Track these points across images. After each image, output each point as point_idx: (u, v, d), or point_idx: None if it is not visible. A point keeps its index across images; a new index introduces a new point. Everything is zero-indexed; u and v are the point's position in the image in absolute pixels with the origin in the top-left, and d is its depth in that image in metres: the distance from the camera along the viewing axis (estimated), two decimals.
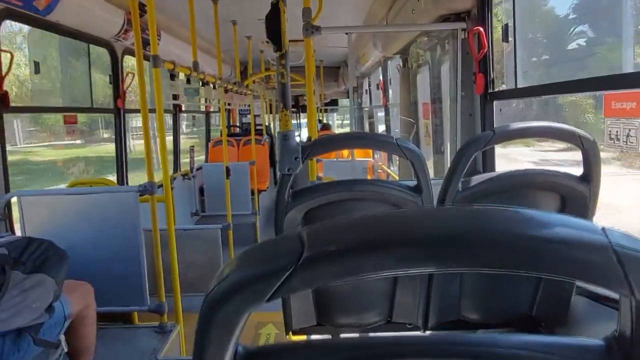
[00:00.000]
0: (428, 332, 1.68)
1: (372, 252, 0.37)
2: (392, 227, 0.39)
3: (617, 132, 1.42)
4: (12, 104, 2.46)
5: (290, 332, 1.72)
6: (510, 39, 2.29)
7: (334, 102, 11.72)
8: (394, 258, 0.37)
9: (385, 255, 0.37)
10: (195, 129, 7.42)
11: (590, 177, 1.41)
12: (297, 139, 1.50)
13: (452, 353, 0.47)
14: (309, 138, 2.70)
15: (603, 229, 0.37)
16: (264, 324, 3.39)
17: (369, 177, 5.44)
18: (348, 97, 10.12)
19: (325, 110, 10.97)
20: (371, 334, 1.75)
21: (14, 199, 2.47)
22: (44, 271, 1.69)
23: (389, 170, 5.36)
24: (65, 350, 1.85)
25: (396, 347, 0.48)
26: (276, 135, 7.60)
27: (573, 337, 0.48)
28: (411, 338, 0.49)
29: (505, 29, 2.30)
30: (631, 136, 1.36)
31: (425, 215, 0.41)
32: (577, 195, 1.44)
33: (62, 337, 1.82)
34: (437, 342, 0.48)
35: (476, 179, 1.52)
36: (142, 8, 2.77)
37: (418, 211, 0.43)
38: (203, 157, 6.79)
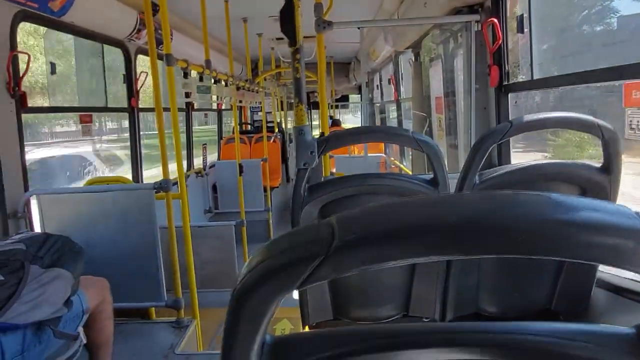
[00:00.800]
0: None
1: (401, 239, 0.37)
2: (420, 213, 0.39)
3: (638, 122, 1.39)
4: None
5: (307, 327, 1.72)
6: (526, 29, 2.25)
7: (345, 98, 11.68)
8: (423, 245, 0.37)
9: (415, 242, 0.37)
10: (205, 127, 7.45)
11: (611, 168, 1.38)
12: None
13: (476, 341, 0.46)
14: (322, 134, 2.70)
15: (638, 213, 0.37)
16: (278, 319, 3.41)
17: None
18: (359, 93, 10.07)
19: (336, 107, 10.94)
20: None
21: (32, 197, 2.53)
22: (61, 265, 1.73)
23: (401, 166, 5.34)
24: (84, 342, 1.89)
25: (421, 336, 0.48)
26: (287, 132, 7.61)
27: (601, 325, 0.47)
28: (435, 327, 0.49)
29: (521, 19, 2.27)
30: None
31: (453, 201, 0.41)
32: (597, 187, 1.42)
33: (81, 330, 1.87)
34: (462, 331, 0.48)
35: (493, 172, 1.50)
36: (155, 8, 2.79)
37: (445, 197, 0.43)
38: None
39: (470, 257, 0.37)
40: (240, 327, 0.43)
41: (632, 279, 1.47)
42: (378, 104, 8.01)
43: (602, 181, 1.40)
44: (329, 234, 0.39)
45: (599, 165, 1.43)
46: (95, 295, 1.95)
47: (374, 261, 0.38)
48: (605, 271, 1.56)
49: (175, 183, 2.65)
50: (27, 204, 2.52)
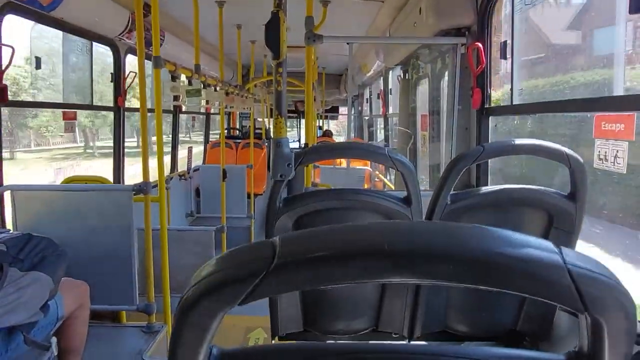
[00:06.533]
0: (413, 342, 1.68)
1: (338, 262, 0.39)
2: (359, 238, 0.41)
3: (605, 152, 1.44)
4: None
5: (277, 338, 1.72)
6: (508, 56, 2.32)
7: (335, 109, 11.74)
8: (359, 268, 0.39)
9: (351, 265, 0.39)
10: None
11: (577, 196, 1.43)
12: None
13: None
14: (306, 144, 2.71)
15: (560, 248, 0.39)
16: (252, 329, 3.38)
17: (365, 186, 5.45)
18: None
19: (326, 117, 11.00)
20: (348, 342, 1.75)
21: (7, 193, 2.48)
22: (41, 269, 1.69)
23: (385, 180, 5.38)
24: (55, 353, 1.83)
25: (379, 355, 0.49)
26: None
27: (543, 352, 0.49)
28: (394, 346, 0.50)
29: (504, 46, 2.33)
30: (619, 157, 1.38)
31: (392, 229, 0.42)
32: (564, 213, 1.46)
33: (54, 340, 1.81)
34: (416, 352, 0.50)
35: (465, 193, 1.54)
36: (147, 8, 2.79)
37: (387, 224, 0.45)
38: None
39: (405, 281, 0.39)
40: (184, 338, 0.44)
41: None
42: (367, 118, 8.09)
43: (568, 208, 1.45)
44: (271, 253, 0.40)
45: (566, 192, 1.47)
46: (73, 300, 1.90)
47: (313, 281, 0.39)
48: None
49: (155, 186, 2.63)
50: (1, 199, 2.47)
